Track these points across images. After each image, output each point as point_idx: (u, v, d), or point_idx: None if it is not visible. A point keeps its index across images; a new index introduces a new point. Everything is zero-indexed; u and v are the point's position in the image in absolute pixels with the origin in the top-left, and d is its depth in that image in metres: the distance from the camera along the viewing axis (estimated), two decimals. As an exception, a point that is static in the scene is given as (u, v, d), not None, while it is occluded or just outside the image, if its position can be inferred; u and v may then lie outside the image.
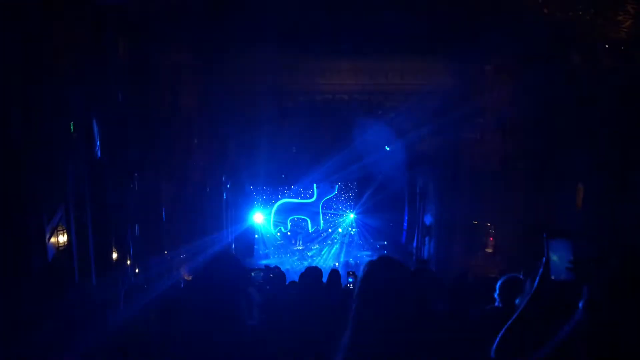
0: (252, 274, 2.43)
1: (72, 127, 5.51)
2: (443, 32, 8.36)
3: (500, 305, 3.14)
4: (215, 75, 9.78)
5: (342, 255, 17.97)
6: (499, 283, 3.26)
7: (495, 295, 3.25)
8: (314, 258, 17.59)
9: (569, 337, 1.41)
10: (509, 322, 1.66)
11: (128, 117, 7.15)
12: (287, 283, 5.48)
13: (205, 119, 10.40)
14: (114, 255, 6.68)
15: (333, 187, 18.36)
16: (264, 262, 14.15)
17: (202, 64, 9.50)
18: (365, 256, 17.59)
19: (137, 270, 7.33)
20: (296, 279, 5.53)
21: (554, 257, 1.59)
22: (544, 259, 1.61)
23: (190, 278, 6.46)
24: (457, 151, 11.12)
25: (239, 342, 1.86)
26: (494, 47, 8.63)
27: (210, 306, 1.89)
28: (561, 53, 8.20)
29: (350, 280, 5.22)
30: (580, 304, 1.42)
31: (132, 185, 7.46)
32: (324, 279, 5.63)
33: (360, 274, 1.78)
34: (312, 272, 5.18)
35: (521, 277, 3.19)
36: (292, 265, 16.24)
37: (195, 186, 10.10)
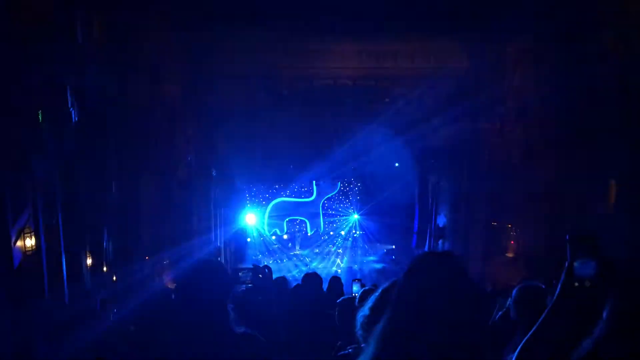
0: (240, 274, 2.47)
1: (40, 118, 5.51)
2: (459, 9, 8.35)
3: (516, 317, 3.10)
4: (201, 57, 9.78)
5: (345, 260, 18.00)
6: (514, 291, 3.23)
7: (510, 305, 3.21)
8: (313, 264, 17.62)
9: (591, 351, 1.42)
10: (528, 335, 1.66)
11: (104, 107, 7.15)
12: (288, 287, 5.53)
13: (190, 108, 10.40)
14: (89, 261, 6.69)
15: (334, 185, 18.38)
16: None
17: (187, 45, 9.50)
18: (371, 262, 17.63)
19: (114, 278, 7.35)
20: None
21: (578, 262, 1.60)
22: (566, 263, 1.62)
23: (173, 286, 6.48)
24: (474, 144, 11.13)
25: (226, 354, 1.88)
26: (515, 26, 8.62)
27: (194, 318, 1.92)
28: (591, 33, 8.19)
29: (356, 287, 5.22)
30: (605, 315, 1.43)
31: (108, 183, 7.46)
32: (325, 287, 5.65)
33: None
34: (311, 280, 5.19)
35: (543, 285, 3.18)
36: (290, 271, 16.27)
37: (179, 183, 10.10)
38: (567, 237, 1.62)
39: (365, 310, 2.05)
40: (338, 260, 18.17)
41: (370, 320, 1.93)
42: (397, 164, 14.72)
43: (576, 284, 1.59)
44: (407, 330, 1.48)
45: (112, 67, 7.41)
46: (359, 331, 2.04)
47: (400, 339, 1.48)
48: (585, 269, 1.58)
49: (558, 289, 1.64)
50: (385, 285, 2.12)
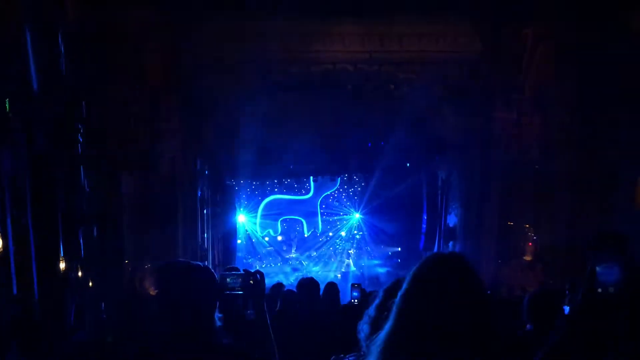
0: (228, 280, 2.46)
1: (7, 106, 5.48)
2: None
3: (530, 327, 3.10)
4: (187, 40, 9.74)
5: (345, 264, 18.04)
6: (526, 298, 3.22)
7: (524, 315, 3.20)
8: (311, 268, 17.65)
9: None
10: (548, 346, 1.66)
11: (79, 94, 7.12)
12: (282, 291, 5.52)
13: (174, 96, 10.37)
14: (62, 265, 6.67)
15: (334, 181, 18.38)
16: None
17: (171, 26, 9.46)
18: (374, 266, 17.66)
19: (90, 283, 7.33)
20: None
21: (601, 267, 1.59)
22: (589, 268, 1.62)
23: (155, 293, 6.48)
24: (488, 136, 11.12)
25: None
26: (533, 6, 8.60)
27: (177, 328, 1.92)
28: (618, 13, 8.18)
29: (356, 294, 5.21)
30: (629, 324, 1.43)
31: (84, 179, 7.44)
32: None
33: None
34: (307, 285, 5.19)
35: (567, 292, 3.18)
36: (286, 274, 16.32)
37: (163, 180, 10.08)
38: (591, 239, 1.61)
39: (370, 311, 2.06)
40: (349, 261, 18.17)
41: (374, 324, 1.94)
42: (402, 158, 14.70)
43: (599, 291, 1.58)
44: (412, 340, 1.47)
45: (86, 52, 7.38)
46: (361, 336, 2.04)
47: (405, 350, 1.48)
48: (608, 274, 1.57)
49: (578, 297, 1.63)
50: (387, 284, 2.12)
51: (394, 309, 1.55)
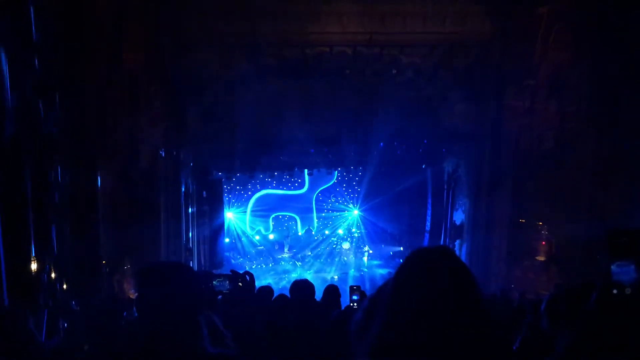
0: (215, 282, 2.45)
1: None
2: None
3: (549, 329, 3.16)
4: (169, 14, 9.69)
5: (343, 265, 18.05)
6: (545, 299, 3.26)
7: (542, 320, 3.25)
8: (305, 269, 17.67)
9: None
10: (560, 349, 1.66)
11: (50, 78, 7.07)
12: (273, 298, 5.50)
13: (156, 79, 10.32)
14: (33, 266, 6.65)
15: (331, 174, 18.37)
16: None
17: (151, 3, 9.41)
18: (375, 267, 17.68)
19: (64, 286, 7.32)
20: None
21: (616, 265, 1.58)
22: (604, 267, 1.61)
23: (135, 296, 6.47)
24: (499, 125, 11.13)
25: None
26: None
27: (160, 335, 1.90)
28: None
29: (355, 298, 5.19)
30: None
31: (57, 172, 7.40)
32: (317, 297, 5.63)
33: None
34: (301, 288, 5.17)
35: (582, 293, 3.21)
36: (278, 276, 16.32)
37: (143, 172, 10.05)
38: (607, 235, 1.60)
39: (358, 315, 2.05)
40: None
41: (363, 327, 1.94)
42: (405, 149, 14.69)
43: (615, 291, 1.57)
44: (400, 341, 1.48)
45: (59, 30, 7.32)
46: (352, 340, 2.04)
47: (394, 352, 1.49)
48: (624, 273, 1.56)
49: (594, 297, 1.63)
50: (380, 284, 2.11)
51: (382, 309, 1.55)
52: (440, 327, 1.45)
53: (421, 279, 1.54)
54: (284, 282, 15.42)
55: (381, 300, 1.61)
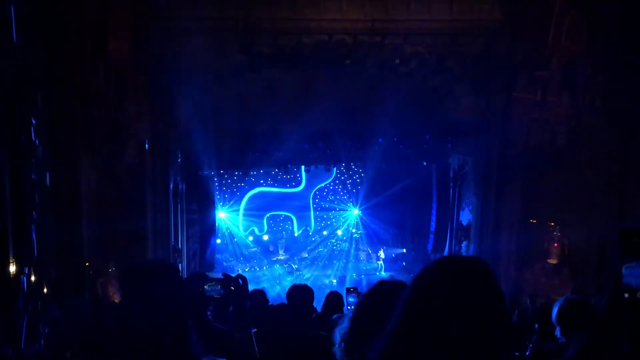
0: (206, 286, 2.44)
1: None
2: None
3: (562, 337, 3.18)
4: (156, 3, 9.68)
5: (341, 268, 18.04)
6: (555, 307, 3.29)
7: (554, 325, 3.28)
8: (302, 272, 17.66)
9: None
10: (571, 353, 1.67)
11: (31, 69, 7.07)
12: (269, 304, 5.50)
13: (143, 71, 10.31)
14: (12, 268, 6.65)
15: (329, 171, 18.36)
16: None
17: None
18: (376, 270, 17.67)
19: (45, 290, 7.32)
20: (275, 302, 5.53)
21: (626, 267, 1.59)
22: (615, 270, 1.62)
23: (119, 300, 6.48)
24: (508, 119, 11.14)
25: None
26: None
27: (145, 341, 1.90)
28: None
29: (352, 300, 5.16)
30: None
31: (36, 168, 7.40)
32: (316, 303, 5.63)
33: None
34: (300, 294, 5.17)
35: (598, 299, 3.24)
36: (273, 280, 16.31)
37: (129, 168, 10.05)
38: (619, 236, 1.61)
39: (344, 323, 2.02)
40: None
41: (353, 336, 1.93)
42: (409, 145, 14.70)
43: (626, 295, 1.58)
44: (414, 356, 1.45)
45: (40, 19, 7.32)
46: (336, 351, 2.02)
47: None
48: (634, 275, 1.58)
49: (605, 302, 1.64)
50: (369, 288, 2.09)
51: (393, 318, 1.51)
52: (460, 348, 1.42)
53: (450, 293, 1.48)
54: (278, 288, 15.41)
55: (372, 306, 1.59)
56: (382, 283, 1.96)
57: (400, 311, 1.52)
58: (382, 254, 18.05)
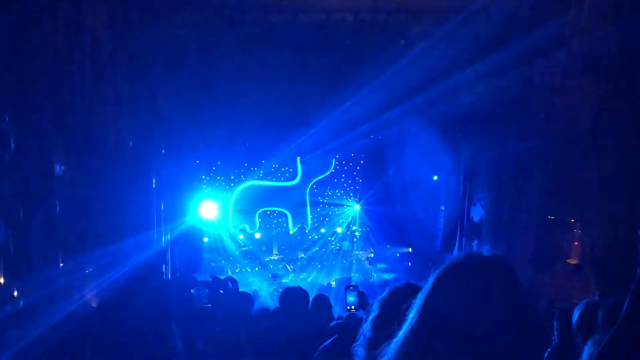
0: (193, 290, 2.43)
1: None
2: None
3: (581, 343, 3.20)
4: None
5: (341, 269, 18.10)
6: (576, 311, 3.31)
7: (575, 332, 3.29)
8: (297, 273, 17.71)
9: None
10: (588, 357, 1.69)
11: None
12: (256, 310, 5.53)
13: (122, 52, 10.29)
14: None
15: (328, 163, 18.38)
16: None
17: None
18: (379, 271, 17.72)
19: (15, 293, 7.32)
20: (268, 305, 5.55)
21: None
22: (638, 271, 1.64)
23: (96, 304, 6.49)
24: (525, 105, 11.15)
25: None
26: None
27: (124, 349, 1.91)
28: None
29: (352, 299, 5.17)
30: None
31: (6, 161, 7.40)
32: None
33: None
34: (294, 297, 5.20)
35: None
36: (266, 282, 16.35)
37: (107, 161, 10.04)
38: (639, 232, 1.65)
39: (365, 330, 2.06)
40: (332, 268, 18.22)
41: (372, 345, 1.95)
42: (415, 134, 14.71)
43: None
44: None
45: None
46: (358, 349, 2.05)
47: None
48: None
49: (626, 304, 1.66)
50: (383, 294, 2.12)
51: (412, 317, 1.54)
52: (482, 350, 1.44)
53: (465, 289, 1.53)
54: (271, 289, 15.46)
55: (402, 312, 1.61)
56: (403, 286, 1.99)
57: (420, 310, 1.56)
58: (385, 253, 18.16)
